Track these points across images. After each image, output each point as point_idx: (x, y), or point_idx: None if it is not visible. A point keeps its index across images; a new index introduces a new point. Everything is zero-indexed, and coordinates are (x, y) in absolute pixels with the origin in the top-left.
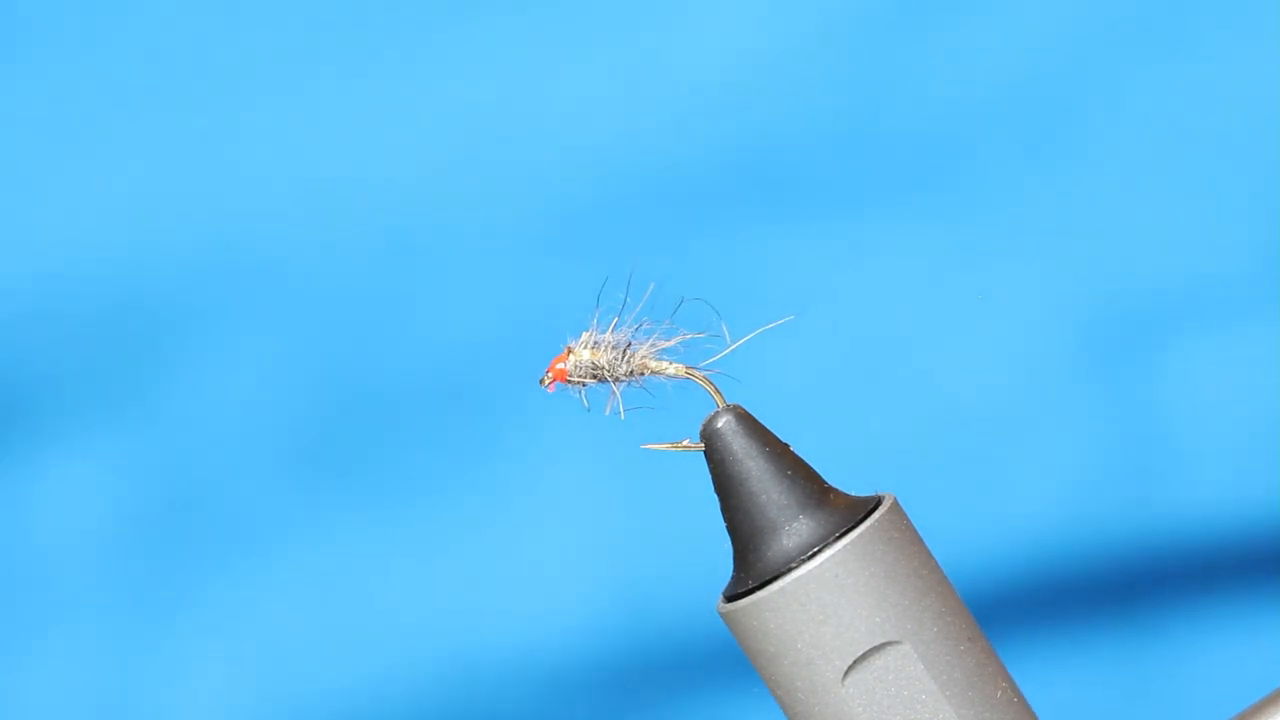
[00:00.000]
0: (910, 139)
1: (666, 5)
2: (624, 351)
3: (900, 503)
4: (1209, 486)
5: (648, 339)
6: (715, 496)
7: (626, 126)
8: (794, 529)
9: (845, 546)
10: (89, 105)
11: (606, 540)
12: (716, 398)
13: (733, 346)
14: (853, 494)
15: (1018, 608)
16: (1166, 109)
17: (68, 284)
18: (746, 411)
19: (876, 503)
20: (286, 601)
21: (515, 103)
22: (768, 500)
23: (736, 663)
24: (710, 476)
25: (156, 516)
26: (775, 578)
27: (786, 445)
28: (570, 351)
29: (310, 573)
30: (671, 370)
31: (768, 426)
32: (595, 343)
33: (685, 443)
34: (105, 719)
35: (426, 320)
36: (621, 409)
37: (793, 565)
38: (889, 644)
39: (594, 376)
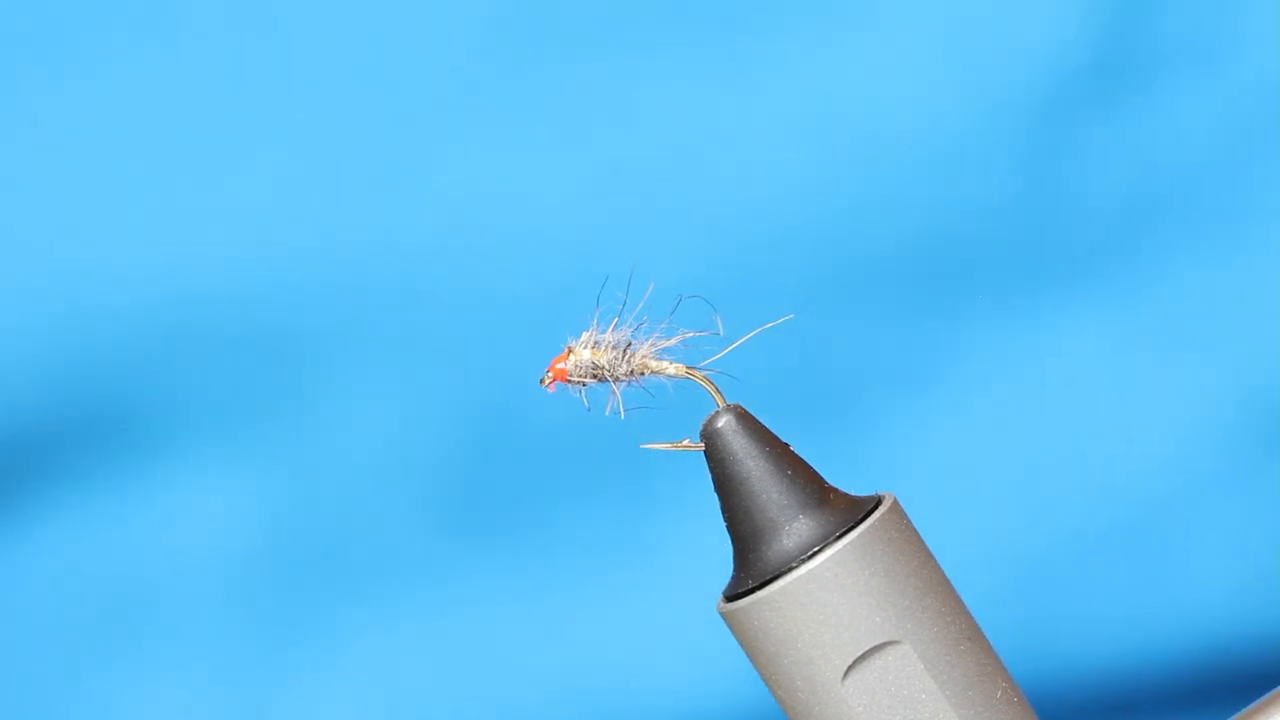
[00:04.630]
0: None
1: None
2: (624, 351)
3: (900, 502)
4: None
5: (648, 338)
6: (715, 496)
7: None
8: (794, 529)
9: (845, 546)
10: (244, 126)
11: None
12: (716, 397)
13: (733, 346)
14: (853, 494)
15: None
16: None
17: (213, 306)
18: (746, 411)
19: (876, 502)
20: (410, 642)
21: (682, 148)
22: (768, 500)
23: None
24: (710, 476)
25: (287, 546)
26: (775, 577)
27: (786, 445)
28: (570, 351)
29: (437, 615)
30: (671, 370)
31: (768, 426)
32: (595, 342)
33: (685, 443)
34: None
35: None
36: (621, 409)
37: (793, 565)
38: (889, 644)
39: (594, 376)
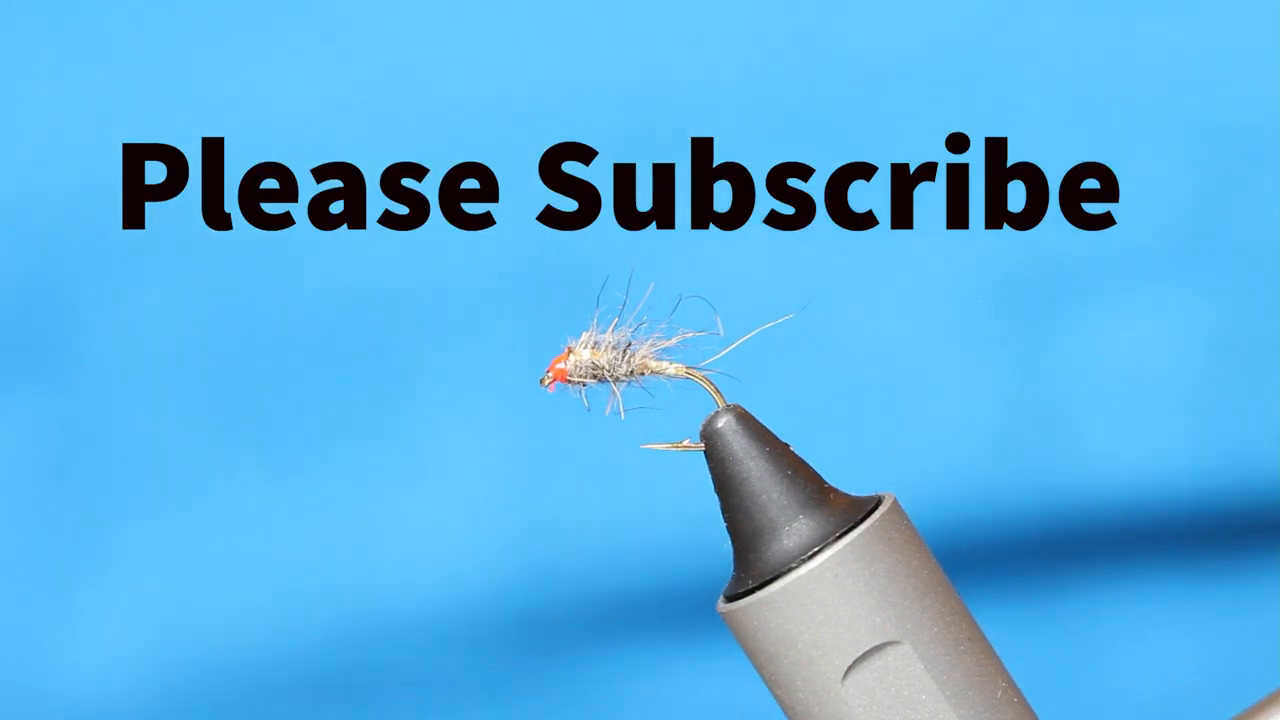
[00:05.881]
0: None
1: None
2: (624, 351)
3: (900, 503)
4: (1113, 452)
5: (648, 338)
6: (715, 496)
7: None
8: (794, 529)
9: (845, 546)
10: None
11: (517, 488)
12: (716, 398)
13: (733, 346)
14: (853, 494)
15: None
16: (1082, 66)
17: None
18: (746, 411)
19: (876, 503)
20: (191, 552)
21: (489, 78)
22: (768, 500)
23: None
24: (710, 476)
25: (60, 468)
26: (775, 578)
27: (786, 445)
28: (570, 351)
29: (216, 524)
30: (671, 370)
31: (768, 426)
32: (595, 342)
33: (685, 443)
34: (3, 665)
35: (339, 273)
36: (621, 409)
37: (793, 565)
38: (889, 644)
39: (594, 376)
